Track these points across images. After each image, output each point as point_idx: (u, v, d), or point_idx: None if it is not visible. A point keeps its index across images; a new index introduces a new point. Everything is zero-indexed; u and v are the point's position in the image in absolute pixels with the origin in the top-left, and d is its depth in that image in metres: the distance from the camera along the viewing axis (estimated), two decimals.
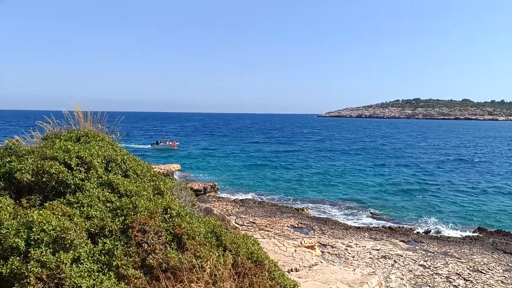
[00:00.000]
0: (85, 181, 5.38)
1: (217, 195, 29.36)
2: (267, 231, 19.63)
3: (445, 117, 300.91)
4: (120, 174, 6.05)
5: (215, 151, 58.11)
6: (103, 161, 6.06)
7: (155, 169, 7.77)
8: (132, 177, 6.14)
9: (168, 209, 5.30)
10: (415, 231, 21.20)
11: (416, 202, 28.06)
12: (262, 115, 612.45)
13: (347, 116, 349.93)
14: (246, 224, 20.67)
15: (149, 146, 60.17)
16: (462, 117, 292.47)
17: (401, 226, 22.11)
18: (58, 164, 5.26)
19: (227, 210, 23.83)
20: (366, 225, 22.21)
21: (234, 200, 27.48)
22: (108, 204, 5.05)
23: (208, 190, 29.56)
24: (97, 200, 5.06)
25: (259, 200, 27.90)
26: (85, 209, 4.78)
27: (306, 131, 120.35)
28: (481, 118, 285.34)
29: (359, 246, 17.75)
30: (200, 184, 30.17)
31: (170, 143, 59.60)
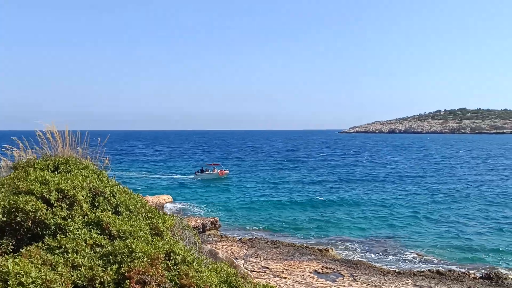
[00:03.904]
0: (68, 220, 5.36)
1: (219, 234, 29.19)
2: (284, 278, 19.40)
3: (498, 130, 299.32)
4: (110, 211, 6.03)
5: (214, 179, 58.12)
6: (89, 194, 6.06)
7: None
8: (124, 214, 6.12)
9: (172, 254, 5.25)
10: (470, 276, 20.83)
11: (471, 240, 27.67)
12: (267, 132, 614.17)
13: (377, 131, 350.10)
14: (257, 270, 20.45)
15: (192, 175, 60.66)
16: None
17: (452, 269, 21.76)
18: (34, 199, 5.25)
19: (232, 252, 23.65)
20: (408, 269, 21.89)
21: (240, 239, 27.33)
22: (97, 249, 5.01)
23: (208, 227, 29.44)
24: (84, 244, 5.02)
25: (272, 239, 27.68)
26: (69, 255, 4.74)
27: (328, 152, 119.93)
28: None
29: None
30: (198, 220, 30.06)
31: (218, 171, 59.83)
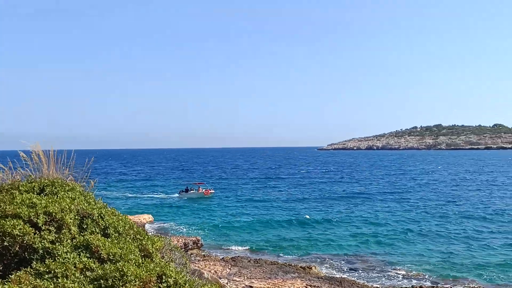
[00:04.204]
0: (56, 244, 5.25)
1: (202, 253, 28.86)
2: None
3: (473, 146, 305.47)
4: (99, 233, 5.92)
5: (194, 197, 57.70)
6: (76, 217, 5.94)
7: None
8: (113, 236, 6.01)
9: (163, 277, 5.17)
10: None
11: (454, 255, 27.85)
12: (245, 149, 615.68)
13: (355, 148, 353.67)
14: None
15: (176, 194, 59.61)
16: (494, 146, 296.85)
17: (437, 285, 21.87)
18: (22, 223, 5.13)
19: (215, 272, 23.35)
20: (391, 286, 21.94)
21: (223, 258, 27.03)
22: (87, 273, 4.90)
23: (190, 246, 29.08)
24: (73, 268, 4.91)
25: (255, 257, 27.47)
26: (59, 280, 4.63)
27: (308, 169, 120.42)
28: None
29: None
30: (180, 240, 29.71)
31: (203, 190, 58.81)
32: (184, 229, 36.74)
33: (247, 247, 30.88)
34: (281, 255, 28.80)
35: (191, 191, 58.39)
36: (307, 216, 41.64)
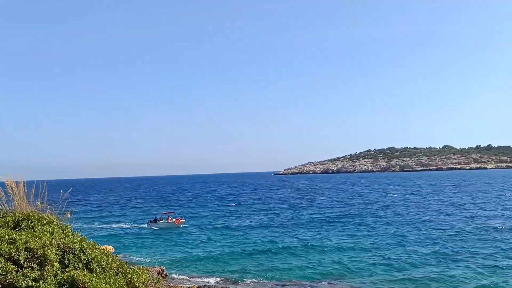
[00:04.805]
0: (40, 282, 4.93)
1: (166, 283, 27.97)
2: None
3: (425, 167, 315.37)
4: (82, 268, 5.62)
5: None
6: (58, 252, 5.63)
7: None
8: (97, 270, 5.73)
9: None
10: None
11: (422, 278, 27.95)
12: (196, 176, 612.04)
13: (311, 172, 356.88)
14: None
15: (145, 225, 57.25)
16: (445, 167, 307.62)
17: None
18: (3, 261, 4.80)
19: None
20: None
21: (189, 287, 26.35)
22: None
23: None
24: None
25: (222, 286, 26.94)
26: None
27: (269, 195, 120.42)
28: (467, 167, 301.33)
29: None
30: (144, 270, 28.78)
31: (173, 219, 56.61)
32: (148, 260, 35.66)
33: (213, 276, 30.28)
34: (248, 283, 28.37)
35: (161, 221, 56.49)
36: (269, 242, 41.43)
